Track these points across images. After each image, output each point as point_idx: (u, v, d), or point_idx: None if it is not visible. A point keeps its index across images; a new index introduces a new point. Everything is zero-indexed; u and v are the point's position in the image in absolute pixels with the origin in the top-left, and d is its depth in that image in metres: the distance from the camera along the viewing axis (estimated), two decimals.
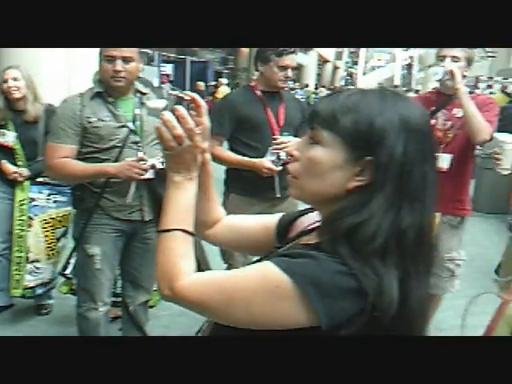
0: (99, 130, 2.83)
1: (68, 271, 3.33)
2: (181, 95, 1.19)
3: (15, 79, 3.77)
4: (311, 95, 20.45)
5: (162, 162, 2.70)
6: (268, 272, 1.03)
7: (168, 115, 1.15)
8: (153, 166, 2.76)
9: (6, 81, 3.76)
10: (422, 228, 1.06)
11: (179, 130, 1.15)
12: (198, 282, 1.10)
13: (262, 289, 1.02)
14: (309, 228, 1.25)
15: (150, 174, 2.81)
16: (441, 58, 3.48)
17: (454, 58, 3.42)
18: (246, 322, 1.05)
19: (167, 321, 4.04)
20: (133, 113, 2.91)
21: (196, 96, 1.20)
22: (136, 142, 2.89)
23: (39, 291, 3.90)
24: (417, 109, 1.10)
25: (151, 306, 3.64)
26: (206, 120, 1.20)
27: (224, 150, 3.44)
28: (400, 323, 1.03)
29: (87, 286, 3.02)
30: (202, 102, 1.20)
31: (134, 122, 2.90)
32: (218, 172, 3.71)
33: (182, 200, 1.18)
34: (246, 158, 3.33)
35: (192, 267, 1.14)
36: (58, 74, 7.36)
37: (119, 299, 3.65)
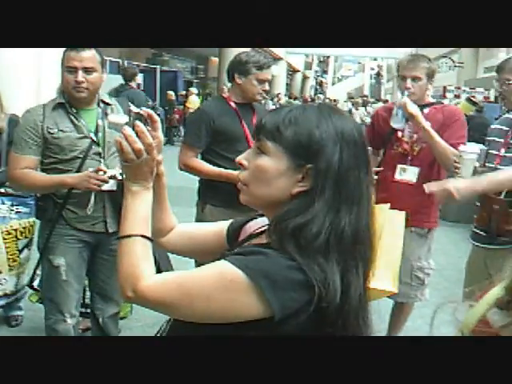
0: (60, 140, 2.82)
1: (35, 283, 3.33)
2: (141, 112, 1.27)
3: None
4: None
5: (121, 173, 2.68)
6: (223, 269, 1.14)
7: (129, 130, 1.24)
8: (113, 177, 2.75)
9: None
10: (359, 228, 1.19)
11: (139, 145, 1.24)
12: (159, 282, 1.19)
13: (219, 284, 1.13)
14: (258, 231, 1.38)
15: (111, 186, 2.79)
16: (401, 78, 3.48)
17: (415, 79, 3.42)
18: (206, 317, 1.15)
19: (139, 332, 3.98)
20: (96, 123, 2.90)
21: (152, 112, 1.29)
22: (98, 153, 2.88)
23: (2, 302, 3.82)
24: (350, 121, 1.25)
25: (122, 318, 3.61)
26: (160, 134, 1.32)
27: (201, 162, 3.41)
28: (340, 315, 1.15)
29: (54, 297, 2.98)
30: (157, 118, 1.31)
31: (96, 132, 2.89)
32: (191, 182, 3.69)
33: (139, 208, 1.28)
34: (225, 170, 3.30)
35: (152, 270, 1.22)
36: (26, 79, 7.27)
37: (89, 310, 3.60)
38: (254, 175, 1.24)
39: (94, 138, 2.87)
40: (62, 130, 2.83)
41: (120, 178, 2.73)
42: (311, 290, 1.10)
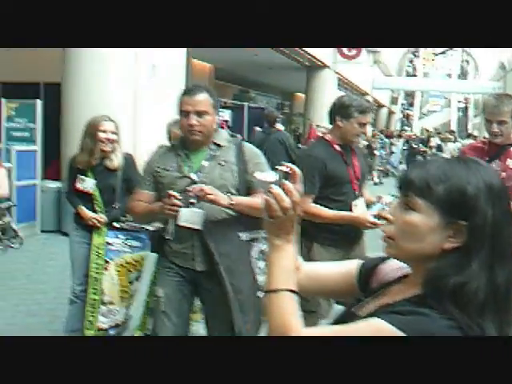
0: (163, 179, 3.00)
1: None
2: (286, 170, 1.30)
3: (113, 133, 3.97)
4: (377, 140, 20.35)
5: (197, 197, 2.82)
6: (381, 328, 1.14)
7: (277, 189, 1.27)
8: (190, 203, 2.85)
9: (104, 131, 3.93)
10: (511, 282, 1.20)
11: (287, 203, 1.27)
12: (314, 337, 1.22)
13: None
14: (396, 277, 1.39)
15: (194, 222, 2.90)
16: (487, 121, 3.52)
17: (501, 122, 3.44)
18: None
19: None
20: (200, 164, 2.99)
21: (294, 167, 1.32)
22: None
23: (112, 333, 3.99)
24: (495, 173, 1.25)
25: None
26: (300, 186, 1.32)
27: (318, 207, 3.45)
28: None
29: (154, 328, 3.09)
30: (299, 171, 1.32)
31: (197, 172, 2.97)
32: None
33: (283, 262, 1.30)
34: (345, 213, 3.40)
35: (301, 323, 1.25)
36: (123, 77, 7.62)
37: None
38: (402, 230, 1.24)
39: (195, 178, 2.95)
40: (165, 169, 2.99)
41: (194, 201, 2.86)
42: None
